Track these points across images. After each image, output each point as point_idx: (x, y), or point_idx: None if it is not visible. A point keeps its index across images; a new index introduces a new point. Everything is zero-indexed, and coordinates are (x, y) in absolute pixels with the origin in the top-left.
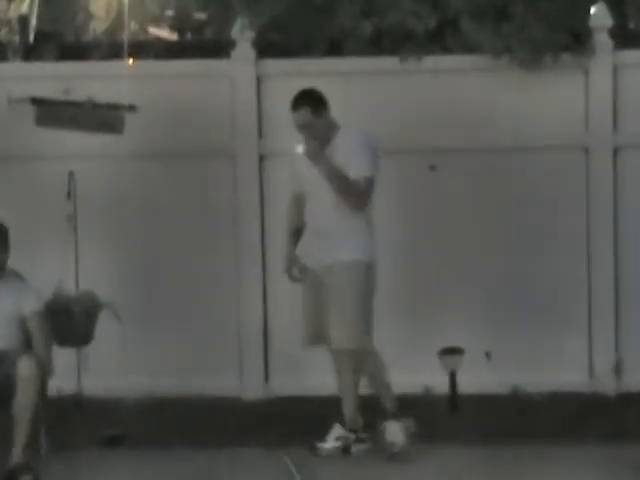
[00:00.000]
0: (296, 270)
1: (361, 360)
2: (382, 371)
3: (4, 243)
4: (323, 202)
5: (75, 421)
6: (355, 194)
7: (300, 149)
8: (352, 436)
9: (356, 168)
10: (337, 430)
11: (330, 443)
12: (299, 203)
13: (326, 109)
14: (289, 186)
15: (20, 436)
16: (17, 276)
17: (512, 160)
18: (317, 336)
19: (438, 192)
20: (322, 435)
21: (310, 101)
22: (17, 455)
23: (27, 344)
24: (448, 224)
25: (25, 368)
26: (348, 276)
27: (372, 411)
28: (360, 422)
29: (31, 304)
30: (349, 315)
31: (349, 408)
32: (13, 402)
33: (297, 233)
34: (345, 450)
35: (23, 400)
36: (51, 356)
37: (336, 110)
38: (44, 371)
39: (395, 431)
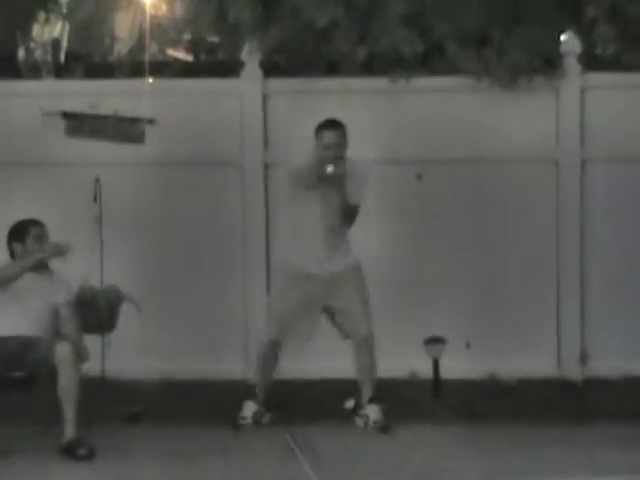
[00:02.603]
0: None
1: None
2: (374, 357)
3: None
4: (325, 215)
5: (99, 400)
6: (354, 218)
7: (330, 168)
8: (262, 409)
9: (359, 195)
10: (250, 406)
11: (247, 418)
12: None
13: None
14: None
15: (70, 413)
16: (49, 270)
17: (490, 170)
18: (286, 330)
19: (424, 197)
20: (319, 415)
21: (343, 126)
22: (70, 431)
23: (57, 332)
24: (432, 226)
25: (64, 353)
26: (359, 277)
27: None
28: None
29: (63, 295)
30: (367, 308)
31: (371, 386)
32: (58, 384)
33: None
34: (257, 422)
35: (67, 381)
36: (83, 341)
37: None
38: (79, 355)
39: (377, 412)
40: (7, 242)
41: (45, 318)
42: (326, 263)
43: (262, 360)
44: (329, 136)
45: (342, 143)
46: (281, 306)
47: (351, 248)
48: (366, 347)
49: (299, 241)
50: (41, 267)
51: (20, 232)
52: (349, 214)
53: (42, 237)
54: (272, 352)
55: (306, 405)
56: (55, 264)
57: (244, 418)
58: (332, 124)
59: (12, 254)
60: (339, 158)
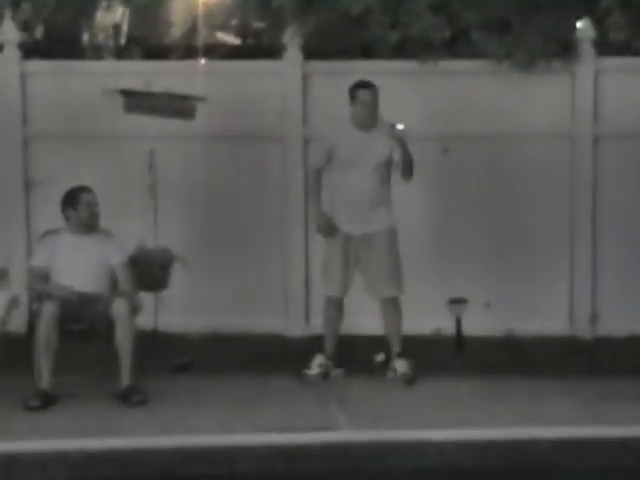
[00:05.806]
0: (330, 228)
1: (399, 304)
2: (400, 316)
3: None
4: (362, 176)
5: (152, 352)
6: (413, 167)
7: (401, 125)
8: (330, 363)
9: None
10: (319, 359)
11: (314, 370)
12: (320, 177)
13: None
14: (316, 159)
15: (126, 363)
16: (106, 233)
17: (511, 145)
18: (344, 289)
19: (450, 169)
20: (352, 365)
21: (376, 87)
22: (126, 379)
23: (114, 289)
24: (457, 196)
25: (120, 308)
26: (390, 241)
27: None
28: (334, 352)
29: (117, 256)
30: (396, 271)
31: (398, 342)
32: (115, 336)
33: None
34: (325, 375)
35: (123, 334)
36: (138, 297)
37: None
38: (134, 309)
39: (405, 365)
40: (61, 209)
41: (102, 276)
42: (361, 224)
43: (325, 315)
44: (365, 94)
45: (376, 101)
46: (330, 264)
47: (390, 213)
48: (393, 307)
49: (338, 202)
50: (93, 230)
51: (72, 199)
52: (409, 164)
53: (92, 203)
54: (333, 307)
55: (340, 359)
56: (113, 227)
57: (310, 369)
58: (367, 83)
59: (67, 219)
60: (374, 114)
